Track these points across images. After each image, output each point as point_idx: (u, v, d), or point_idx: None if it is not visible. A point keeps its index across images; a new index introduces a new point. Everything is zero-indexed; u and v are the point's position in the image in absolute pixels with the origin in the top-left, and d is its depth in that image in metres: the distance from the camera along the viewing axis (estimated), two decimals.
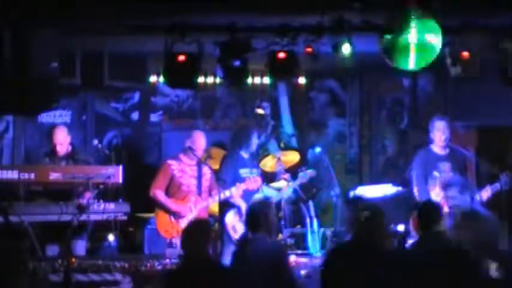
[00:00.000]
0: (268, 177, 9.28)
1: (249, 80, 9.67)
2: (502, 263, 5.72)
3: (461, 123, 10.08)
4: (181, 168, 8.28)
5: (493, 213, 7.41)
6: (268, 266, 6.14)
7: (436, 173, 8.26)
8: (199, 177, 8.29)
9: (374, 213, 5.81)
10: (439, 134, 8.33)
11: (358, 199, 7.97)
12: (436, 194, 8.15)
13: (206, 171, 8.33)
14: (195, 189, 8.27)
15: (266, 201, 6.77)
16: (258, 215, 6.38)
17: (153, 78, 10.17)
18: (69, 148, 8.31)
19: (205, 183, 8.34)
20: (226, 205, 8.31)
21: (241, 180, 8.43)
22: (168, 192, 8.23)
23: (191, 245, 5.78)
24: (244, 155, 8.74)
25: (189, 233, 5.87)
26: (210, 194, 8.31)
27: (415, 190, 8.40)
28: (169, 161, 8.34)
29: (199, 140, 8.32)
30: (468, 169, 8.49)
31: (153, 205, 8.32)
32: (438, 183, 8.14)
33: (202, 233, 5.82)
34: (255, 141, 8.86)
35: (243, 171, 8.60)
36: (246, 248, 6.33)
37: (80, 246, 7.93)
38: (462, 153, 8.47)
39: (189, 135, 8.42)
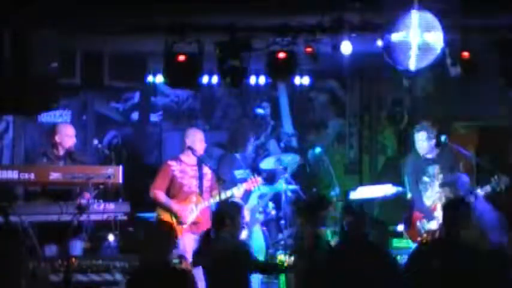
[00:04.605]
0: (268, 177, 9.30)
1: (249, 80, 9.67)
2: None
3: (461, 123, 10.09)
4: (182, 169, 8.27)
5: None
6: (230, 265, 6.20)
7: (425, 178, 8.31)
8: (200, 178, 8.29)
9: None
10: (418, 145, 8.36)
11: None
12: (427, 198, 8.23)
13: (207, 171, 8.33)
14: (196, 190, 8.26)
15: (235, 203, 6.78)
16: (224, 215, 6.41)
17: (153, 78, 10.17)
18: (72, 146, 8.27)
19: (207, 183, 8.33)
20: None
21: (237, 181, 8.44)
22: (169, 193, 8.22)
23: (152, 247, 5.65)
24: (238, 156, 8.79)
25: (150, 236, 5.77)
26: (211, 194, 8.30)
27: (409, 196, 8.47)
28: (170, 162, 8.34)
29: (197, 137, 8.32)
30: (463, 165, 8.51)
31: (154, 205, 8.32)
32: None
33: (164, 236, 5.70)
34: (250, 145, 8.91)
35: (238, 173, 8.63)
36: (208, 247, 6.36)
37: (77, 247, 7.91)
38: (450, 151, 8.46)
39: (186, 134, 8.40)
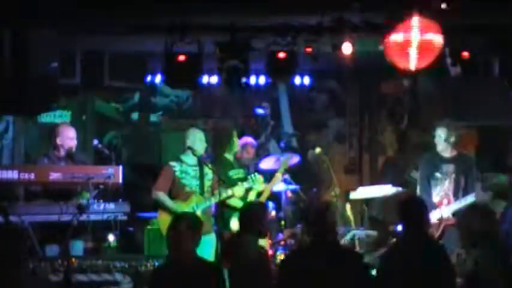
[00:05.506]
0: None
1: (249, 80, 9.67)
2: None
3: (461, 123, 10.08)
4: (183, 169, 8.27)
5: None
6: (251, 269, 6.17)
7: (437, 174, 8.27)
8: (201, 178, 8.28)
9: None
10: (439, 140, 8.32)
11: None
12: (436, 194, 8.19)
13: (208, 171, 8.32)
14: (197, 190, 8.26)
15: (262, 204, 6.75)
16: (252, 217, 6.40)
17: (153, 78, 10.17)
18: (72, 148, 8.27)
19: (207, 183, 8.32)
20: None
21: (233, 181, 8.42)
22: (171, 194, 8.22)
23: (178, 241, 5.54)
24: (229, 156, 8.75)
25: (176, 228, 5.63)
26: (212, 194, 8.29)
27: (417, 190, 8.43)
28: (171, 163, 8.33)
29: (197, 137, 8.31)
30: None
31: (153, 205, 8.32)
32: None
33: (190, 228, 5.59)
34: (236, 141, 8.87)
35: (232, 173, 8.62)
36: (234, 249, 6.36)
37: (78, 247, 7.91)
38: (470, 157, 8.44)
39: (186, 134, 8.39)
